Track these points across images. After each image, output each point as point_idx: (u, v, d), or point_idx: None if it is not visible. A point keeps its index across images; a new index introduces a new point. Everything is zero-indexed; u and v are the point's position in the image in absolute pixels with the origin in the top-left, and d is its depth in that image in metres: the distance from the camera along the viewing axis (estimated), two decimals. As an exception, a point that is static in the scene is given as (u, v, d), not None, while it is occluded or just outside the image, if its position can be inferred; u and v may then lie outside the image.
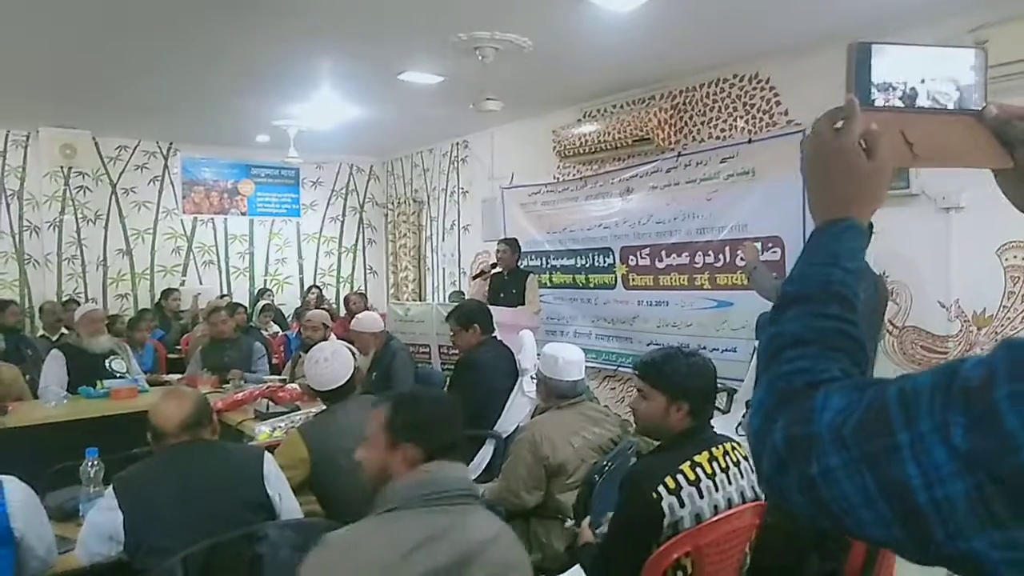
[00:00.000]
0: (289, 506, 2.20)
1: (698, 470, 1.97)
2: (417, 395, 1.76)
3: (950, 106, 0.77)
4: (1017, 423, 0.51)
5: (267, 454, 2.26)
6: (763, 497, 2.06)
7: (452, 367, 4.47)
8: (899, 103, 0.76)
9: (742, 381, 4.02)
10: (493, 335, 4.13)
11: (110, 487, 2.02)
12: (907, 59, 0.77)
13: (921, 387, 0.57)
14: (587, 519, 2.36)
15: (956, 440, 0.53)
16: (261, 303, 7.28)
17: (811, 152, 0.77)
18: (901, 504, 0.55)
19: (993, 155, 0.76)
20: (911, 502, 0.55)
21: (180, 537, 1.85)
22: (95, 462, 2.43)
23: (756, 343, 4.11)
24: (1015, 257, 3.56)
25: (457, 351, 4.24)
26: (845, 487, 0.58)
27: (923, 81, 0.76)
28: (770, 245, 4.50)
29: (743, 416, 3.64)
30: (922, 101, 0.76)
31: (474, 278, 6.11)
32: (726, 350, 4.75)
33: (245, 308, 6.76)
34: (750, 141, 4.62)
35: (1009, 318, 3.62)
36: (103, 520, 1.97)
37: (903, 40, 0.79)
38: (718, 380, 2.21)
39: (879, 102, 0.75)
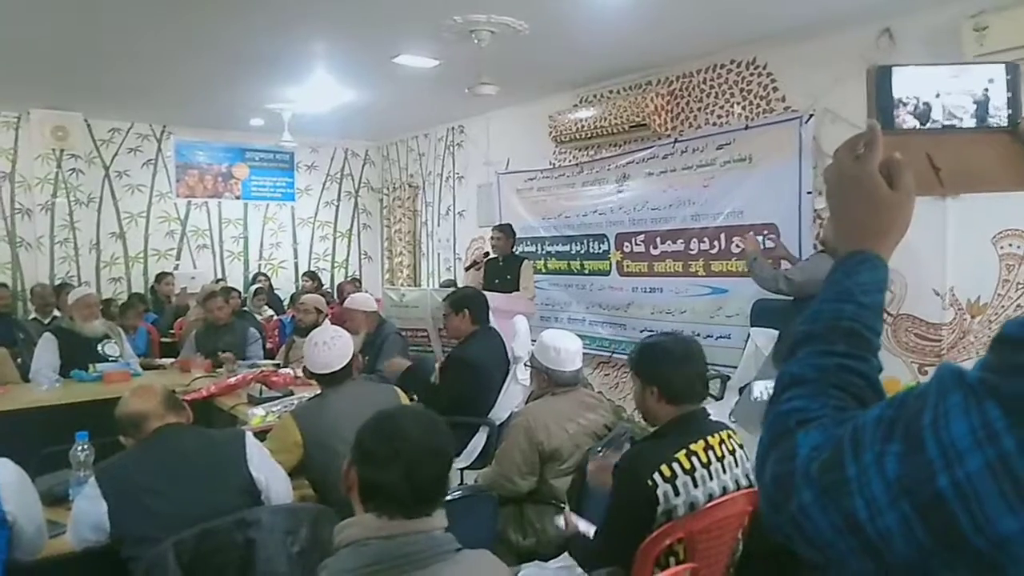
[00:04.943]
0: (278, 488, 2.17)
1: (693, 459, 1.96)
2: (387, 416, 1.44)
3: (966, 120, 0.72)
4: (936, 449, 0.51)
5: (248, 435, 2.22)
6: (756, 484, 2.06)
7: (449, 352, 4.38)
8: (912, 119, 0.71)
9: (736, 368, 4.02)
10: (485, 325, 4.03)
11: (93, 477, 2.00)
12: (923, 76, 0.73)
13: (869, 420, 0.57)
14: (567, 509, 2.37)
15: (888, 469, 0.54)
16: (254, 287, 7.24)
17: (832, 181, 0.74)
18: (859, 535, 0.56)
19: None
20: (863, 533, 0.56)
21: (167, 524, 1.83)
22: (85, 445, 2.39)
23: (751, 331, 4.14)
24: (1010, 245, 3.56)
25: (448, 337, 4.12)
26: (819, 522, 0.59)
27: (938, 95, 0.72)
28: (766, 231, 4.49)
29: (736, 403, 3.64)
30: (936, 115, 0.72)
31: (466, 269, 6.09)
32: (720, 337, 4.76)
33: (239, 292, 6.73)
34: (747, 127, 4.60)
35: (1004, 306, 3.62)
36: (89, 509, 1.95)
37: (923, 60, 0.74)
38: (711, 367, 2.22)
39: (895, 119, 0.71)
